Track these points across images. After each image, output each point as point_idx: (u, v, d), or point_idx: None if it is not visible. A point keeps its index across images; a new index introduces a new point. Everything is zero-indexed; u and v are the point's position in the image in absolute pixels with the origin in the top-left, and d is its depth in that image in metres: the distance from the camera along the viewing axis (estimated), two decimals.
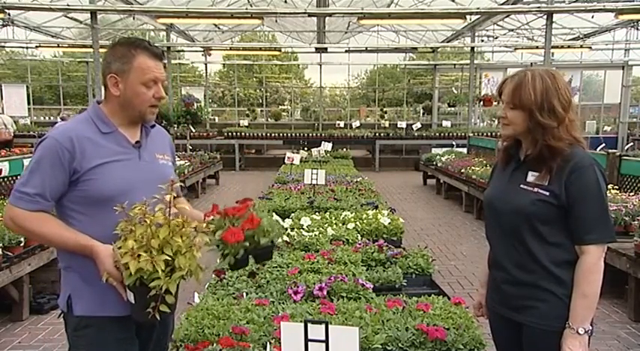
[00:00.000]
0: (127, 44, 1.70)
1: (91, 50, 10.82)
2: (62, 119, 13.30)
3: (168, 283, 1.46)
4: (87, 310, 1.67)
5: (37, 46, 15.21)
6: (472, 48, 13.64)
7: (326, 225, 4.22)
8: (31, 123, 16.20)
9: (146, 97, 1.70)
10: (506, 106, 1.74)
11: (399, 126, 15.33)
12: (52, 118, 18.98)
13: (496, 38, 16.22)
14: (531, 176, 1.72)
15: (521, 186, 1.73)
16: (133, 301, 1.51)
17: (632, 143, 14.09)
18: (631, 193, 5.34)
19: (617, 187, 5.60)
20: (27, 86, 17.47)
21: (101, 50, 9.13)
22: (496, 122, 16.96)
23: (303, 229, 4.09)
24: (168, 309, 1.49)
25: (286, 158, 7.81)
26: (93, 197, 1.63)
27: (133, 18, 13.09)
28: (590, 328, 1.64)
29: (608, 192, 4.93)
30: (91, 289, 1.64)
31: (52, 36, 15.30)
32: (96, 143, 1.66)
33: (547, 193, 1.67)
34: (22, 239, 3.88)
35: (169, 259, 1.46)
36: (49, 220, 1.61)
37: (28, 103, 17.23)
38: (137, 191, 1.64)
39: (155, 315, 1.48)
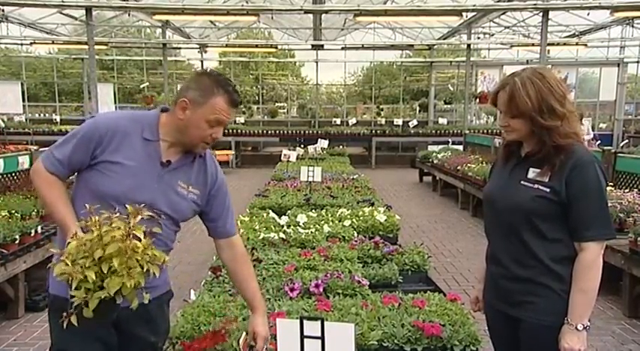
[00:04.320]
0: (215, 80, 1.72)
1: (86, 47, 10.76)
2: None
3: (84, 297, 1.38)
4: (60, 290, 1.64)
5: (31, 43, 15.13)
6: (468, 45, 13.65)
7: (322, 222, 4.23)
8: (26, 120, 16.11)
9: (204, 133, 1.72)
10: (505, 115, 1.74)
11: (395, 123, 15.33)
12: (47, 115, 18.89)
13: (492, 35, 16.24)
14: (532, 173, 1.72)
15: (522, 182, 1.73)
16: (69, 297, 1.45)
17: (627, 140, 14.13)
18: (626, 190, 5.36)
19: (612, 183, 5.63)
20: (22, 83, 17.38)
21: (96, 47, 9.10)
22: (492, 119, 17.01)
23: (300, 226, 4.09)
24: (77, 323, 1.41)
25: (282, 155, 7.81)
26: (89, 187, 1.68)
27: (129, 14, 13.04)
28: (589, 324, 1.65)
29: None
30: None
31: (47, 32, 15.22)
32: (129, 143, 1.69)
33: (547, 190, 1.67)
34: (17, 237, 3.87)
35: (93, 276, 1.37)
36: (55, 187, 1.68)
37: (23, 100, 17.15)
38: (134, 204, 1.60)
39: (63, 322, 1.42)
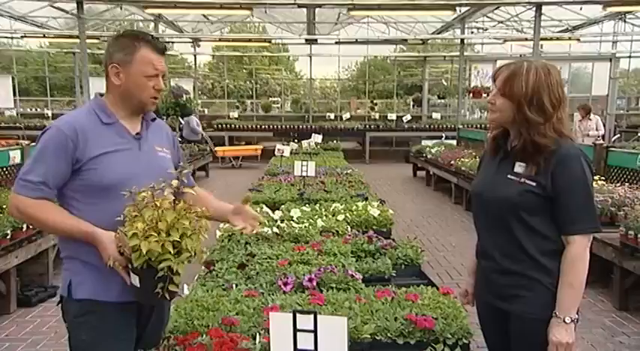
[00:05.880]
0: (131, 36, 1.75)
1: (77, 41, 10.66)
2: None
3: (177, 263, 1.51)
4: (90, 294, 1.68)
5: (22, 37, 14.96)
6: (462, 40, 13.64)
7: (316, 217, 4.23)
8: (17, 114, 15.97)
9: (146, 88, 1.73)
10: (497, 92, 1.74)
11: (389, 118, 15.33)
12: (38, 109, 18.72)
13: (486, 30, 16.24)
14: (519, 167, 1.72)
15: (509, 176, 1.74)
16: (138, 285, 1.55)
17: (619, 135, 14.22)
18: (617, 184, 5.40)
19: (603, 178, 5.67)
20: (12, 77, 17.20)
21: (88, 41, 9.01)
22: (485, 114, 17.04)
23: (293, 220, 4.09)
24: (177, 288, 1.56)
25: (276, 150, 7.79)
26: (94, 186, 1.66)
27: (121, 8, 12.93)
28: (577, 316, 1.66)
29: (595, 183, 5.00)
30: (95, 274, 1.67)
31: (38, 26, 15.02)
32: (97, 133, 1.69)
33: (534, 184, 1.68)
34: (9, 232, 3.84)
35: (177, 241, 1.51)
36: (52, 208, 1.66)
37: (14, 95, 16.97)
38: (136, 181, 1.66)
39: (165, 295, 1.53)
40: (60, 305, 1.76)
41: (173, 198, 1.57)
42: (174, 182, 1.59)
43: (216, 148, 13.42)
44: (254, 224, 1.87)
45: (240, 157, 13.39)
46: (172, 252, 1.50)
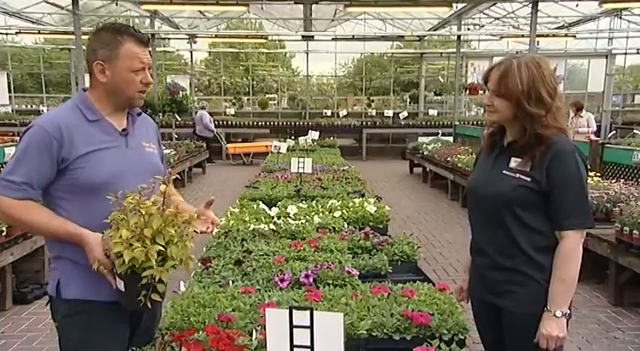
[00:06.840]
0: (113, 30, 1.68)
1: (73, 37, 10.61)
2: (202, 108, 13.59)
3: (161, 272, 1.48)
4: (79, 294, 1.66)
5: (17, 33, 14.87)
6: (458, 36, 13.66)
7: (312, 213, 4.23)
8: (12, 111, 15.90)
9: (134, 83, 1.69)
10: (492, 93, 1.75)
11: (385, 115, 15.35)
12: (34, 106, 18.64)
13: (482, 27, 16.24)
14: (514, 162, 1.73)
15: (504, 172, 1.74)
16: (123, 289, 1.52)
17: (614, 131, 14.27)
18: (613, 181, 5.43)
19: (599, 174, 5.69)
20: (7, 74, 17.11)
21: (84, 37, 8.95)
22: (482, 111, 17.07)
23: (290, 217, 4.08)
24: (160, 298, 1.52)
25: (273, 147, 7.79)
26: (81, 185, 1.62)
27: (116, 4, 12.84)
28: (568, 311, 1.67)
29: (590, 179, 5.03)
30: (84, 274, 1.63)
31: (33, 22, 14.95)
32: (83, 131, 1.65)
33: (528, 179, 1.69)
34: (4, 228, 3.82)
35: (162, 248, 1.47)
36: (37, 209, 1.61)
37: (9, 91, 16.89)
38: (125, 179, 1.64)
39: (147, 303, 1.50)
40: (49, 305, 1.73)
41: (161, 203, 1.53)
42: (162, 187, 1.55)
43: (227, 145, 13.43)
44: (210, 228, 1.81)
45: (251, 154, 13.35)
46: (157, 260, 1.46)
